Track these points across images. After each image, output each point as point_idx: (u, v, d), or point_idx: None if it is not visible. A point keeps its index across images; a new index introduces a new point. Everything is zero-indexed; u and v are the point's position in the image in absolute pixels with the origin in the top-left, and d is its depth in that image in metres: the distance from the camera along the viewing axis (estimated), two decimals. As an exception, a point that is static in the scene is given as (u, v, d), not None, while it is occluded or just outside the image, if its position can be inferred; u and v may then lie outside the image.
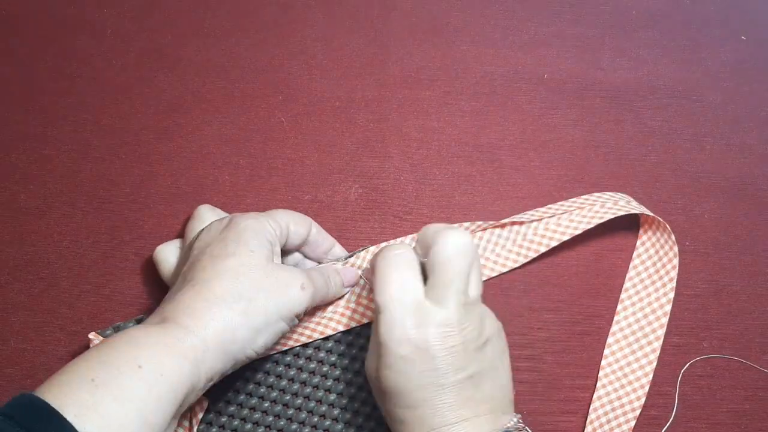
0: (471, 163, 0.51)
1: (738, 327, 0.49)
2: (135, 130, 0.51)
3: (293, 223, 0.43)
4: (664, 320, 0.48)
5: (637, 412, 0.46)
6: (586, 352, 0.48)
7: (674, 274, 0.48)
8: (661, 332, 0.48)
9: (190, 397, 0.35)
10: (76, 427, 0.30)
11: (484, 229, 0.48)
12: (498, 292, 0.48)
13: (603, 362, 0.47)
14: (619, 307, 0.48)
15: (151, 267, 0.48)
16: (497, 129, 0.52)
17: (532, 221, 0.48)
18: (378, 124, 0.51)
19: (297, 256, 0.45)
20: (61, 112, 0.51)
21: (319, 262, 0.46)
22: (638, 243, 0.49)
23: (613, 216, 0.47)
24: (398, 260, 0.39)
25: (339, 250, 0.47)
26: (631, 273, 0.49)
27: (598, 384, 0.47)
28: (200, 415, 0.43)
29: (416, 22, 0.53)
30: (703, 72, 0.53)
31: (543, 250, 0.48)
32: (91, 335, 0.44)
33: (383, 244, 0.47)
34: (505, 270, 0.48)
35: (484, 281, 0.47)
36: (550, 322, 0.48)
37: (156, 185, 0.50)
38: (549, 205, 0.49)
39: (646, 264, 0.49)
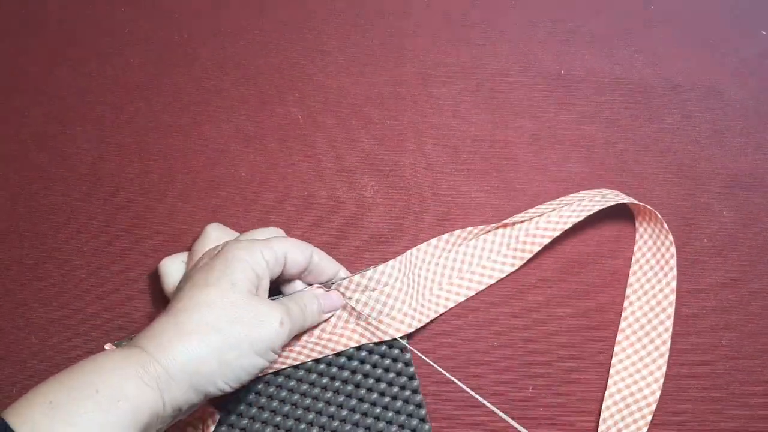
0: (487, 160, 0.51)
1: (757, 325, 0.48)
2: (153, 128, 0.51)
3: (291, 252, 0.42)
4: (670, 310, 0.47)
5: (653, 407, 0.46)
6: (603, 348, 0.48)
7: (673, 262, 0.48)
8: (669, 323, 0.47)
9: (154, 424, 0.35)
10: None
11: (477, 236, 0.48)
12: (514, 287, 0.48)
13: (614, 359, 0.47)
14: (626, 303, 0.48)
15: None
16: (513, 126, 0.51)
17: (522, 222, 0.48)
18: (394, 121, 0.51)
19: (299, 284, 0.44)
20: (80, 111, 0.52)
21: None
22: (637, 236, 0.49)
23: (601, 207, 0.47)
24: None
25: (344, 275, 0.45)
26: (634, 267, 0.49)
27: (610, 381, 0.47)
28: (212, 428, 0.43)
29: (432, 19, 0.53)
30: (722, 67, 0.53)
31: (537, 249, 0.47)
32: (107, 347, 0.44)
33: (369, 274, 0.45)
34: (503, 276, 0.48)
35: (487, 289, 0.47)
36: (566, 317, 0.48)
37: (174, 182, 0.50)
38: (537, 206, 0.49)
39: (647, 256, 0.49)
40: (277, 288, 0.44)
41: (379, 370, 0.45)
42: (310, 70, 0.52)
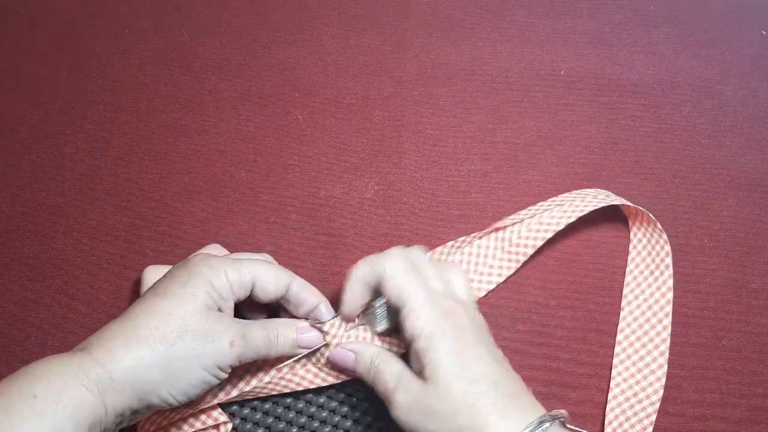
0: (487, 160, 0.51)
1: (757, 325, 0.48)
2: (152, 128, 0.51)
3: (261, 277, 0.41)
4: (668, 309, 0.47)
5: (657, 405, 0.46)
6: (602, 350, 0.48)
7: (669, 261, 0.48)
8: (668, 321, 0.47)
9: (96, 429, 0.35)
10: None
11: (470, 243, 0.48)
12: (513, 288, 0.48)
13: (615, 360, 0.47)
14: (624, 302, 0.48)
15: (168, 264, 0.48)
16: (513, 126, 0.51)
17: (514, 224, 0.48)
18: (394, 122, 0.51)
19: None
20: (80, 111, 0.52)
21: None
22: (631, 235, 0.49)
23: (593, 208, 0.47)
24: (408, 262, 0.40)
25: (324, 310, 0.43)
26: (630, 266, 0.49)
27: (612, 383, 0.47)
28: None
29: (432, 19, 0.53)
30: (721, 67, 0.53)
31: (531, 251, 0.47)
32: None
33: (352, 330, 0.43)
34: (501, 280, 0.48)
35: (485, 296, 0.47)
36: (565, 319, 0.48)
37: (173, 183, 0.50)
38: (529, 207, 0.49)
39: (642, 255, 0.49)
40: (275, 312, 0.44)
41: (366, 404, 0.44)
42: (310, 71, 0.52)
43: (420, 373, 0.37)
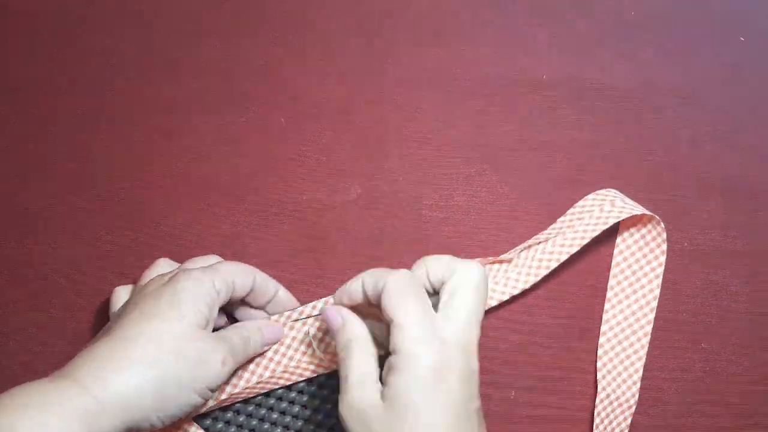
0: (470, 163, 0.51)
1: (735, 329, 0.49)
2: (134, 131, 0.51)
3: (239, 277, 0.41)
4: (651, 316, 0.48)
5: (633, 408, 0.46)
6: (584, 354, 0.48)
7: (660, 271, 0.48)
8: (649, 328, 0.48)
9: None
10: None
11: (493, 263, 0.47)
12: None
13: (598, 363, 0.47)
14: (607, 305, 0.48)
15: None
16: (496, 130, 0.52)
17: (539, 243, 0.47)
18: (377, 125, 0.51)
19: (250, 311, 0.44)
20: (60, 113, 0.51)
21: (266, 311, 0.45)
22: (618, 240, 0.49)
23: (616, 220, 0.47)
24: (414, 282, 0.37)
25: (283, 294, 0.45)
26: (614, 270, 0.49)
27: (599, 387, 0.47)
28: None
29: (415, 23, 0.53)
30: (702, 73, 0.53)
31: (554, 266, 0.47)
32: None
33: (325, 305, 0.43)
34: (516, 292, 0.47)
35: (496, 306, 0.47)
36: (548, 320, 0.48)
37: (156, 186, 0.50)
38: (552, 226, 0.48)
39: (630, 261, 0.49)
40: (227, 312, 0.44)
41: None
42: (293, 75, 0.52)
43: (384, 383, 0.36)
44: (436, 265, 0.38)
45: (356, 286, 0.39)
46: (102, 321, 0.47)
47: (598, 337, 0.48)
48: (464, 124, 0.52)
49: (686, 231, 0.50)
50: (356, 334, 0.38)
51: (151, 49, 0.52)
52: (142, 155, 0.51)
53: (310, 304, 0.45)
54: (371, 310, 0.39)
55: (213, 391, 0.38)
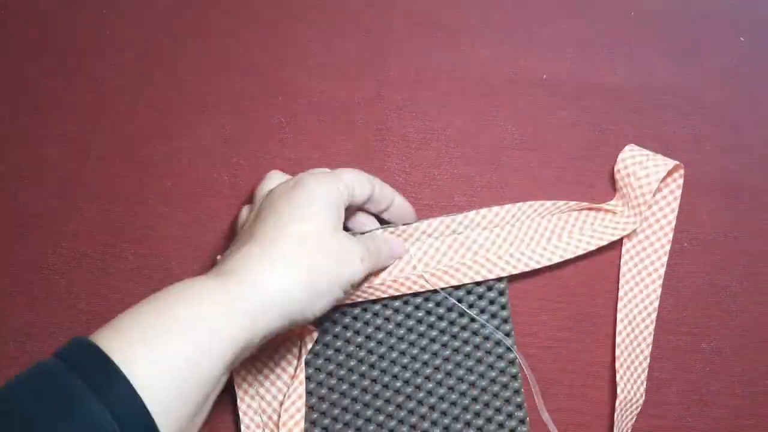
0: (470, 164, 0.51)
1: (736, 328, 0.49)
2: (134, 131, 0.51)
3: (358, 185, 0.42)
4: (654, 315, 0.48)
5: (639, 409, 0.46)
6: (587, 354, 0.48)
7: (662, 271, 0.48)
8: (652, 327, 0.48)
9: (245, 352, 0.35)
10: (126, 373, 0.30)
11: (559, 213, 0.48)
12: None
13: (616, 364, 0.47)
14: (620, 304, 0.48)
15: (149, 268, 0.48)
16: (496, 130, 0.52)
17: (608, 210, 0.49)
18: (377, 125, 0.51)
19: (361, 216, 0.46)
20: (60, 113, 0.51)
21: (378, 218, 0.46)
22: (625, 238, 0.49)
23: (634, 226, 0.48)
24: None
25: (399, 202, 0.46)
26: (623, 269, 0.49)
27: (618, 389, 0.46)
28: (309, 346, 0.44)
29: (416, 23, 0.53)
30: (701, 73, 0.53)
31: (581, 252, 0.47)
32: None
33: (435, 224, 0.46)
34: (538, 266, 0.47)
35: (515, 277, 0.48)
36: (549, 324, 0.48)
37: (155, 186, 0.50)
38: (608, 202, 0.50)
39: (635, 260, 0.49)
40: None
41: (475, 311, 0.47)
42: (293, 74, 0.52)
43: None
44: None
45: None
46: (102, 322, 0.47)
47: (612, 336, 0.48)
48: (464, 125, 0.52)
49: (686, 231, 0.50)
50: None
51: (151, 48, 0.52)
52: (141, 155, 0.50)
53: (425, 221, 0.46)
54: None
55: (353, 286, 0.40)
